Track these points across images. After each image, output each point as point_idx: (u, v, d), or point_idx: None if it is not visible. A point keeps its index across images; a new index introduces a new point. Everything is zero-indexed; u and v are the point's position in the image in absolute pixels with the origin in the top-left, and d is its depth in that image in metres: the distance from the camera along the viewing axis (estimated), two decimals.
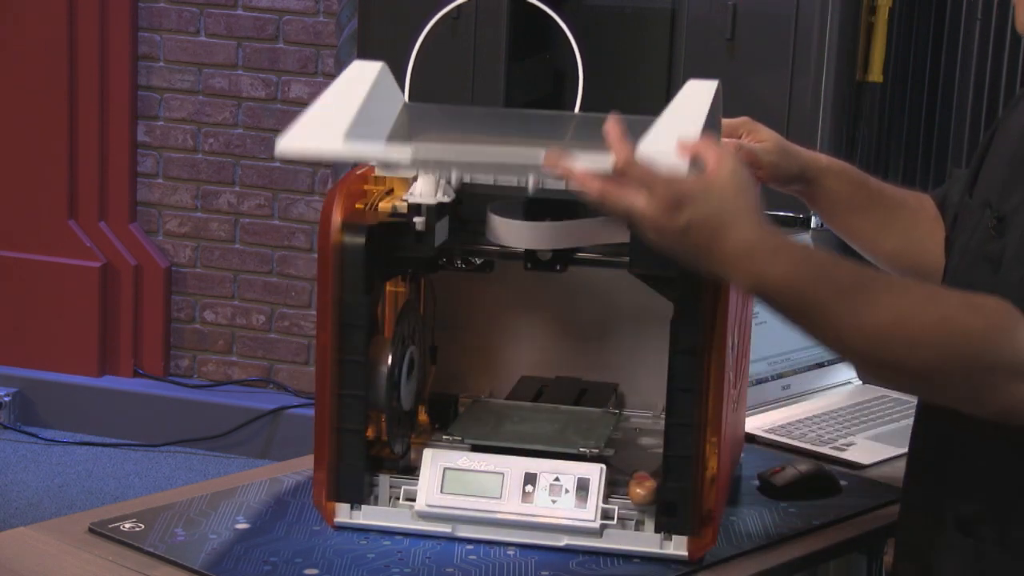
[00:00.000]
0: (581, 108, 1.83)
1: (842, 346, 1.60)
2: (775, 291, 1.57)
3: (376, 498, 1.79)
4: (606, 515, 1.75)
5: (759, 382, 2.31)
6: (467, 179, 1.78)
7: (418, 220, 1.75)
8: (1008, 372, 1.57)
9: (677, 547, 1.72)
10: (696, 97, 1.71)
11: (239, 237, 4.69)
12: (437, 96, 1.94)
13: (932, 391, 1.65)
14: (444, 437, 1.85)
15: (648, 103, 1.82)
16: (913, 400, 2.35)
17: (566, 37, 1.83)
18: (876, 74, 3.56)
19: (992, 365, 1.57)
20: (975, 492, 1.72)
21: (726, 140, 1.86)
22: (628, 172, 1.56)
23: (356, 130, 1.67)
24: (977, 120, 3.74)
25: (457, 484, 1.77)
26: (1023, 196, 1.67)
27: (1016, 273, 1.62)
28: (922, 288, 1.64)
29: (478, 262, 1.90)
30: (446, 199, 1.77)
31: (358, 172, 1.80)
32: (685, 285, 1.67)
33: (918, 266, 2.04)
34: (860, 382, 2.44)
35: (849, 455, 2.12)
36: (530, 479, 1.76)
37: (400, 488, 1.78)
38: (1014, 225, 1.66)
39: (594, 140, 1.58)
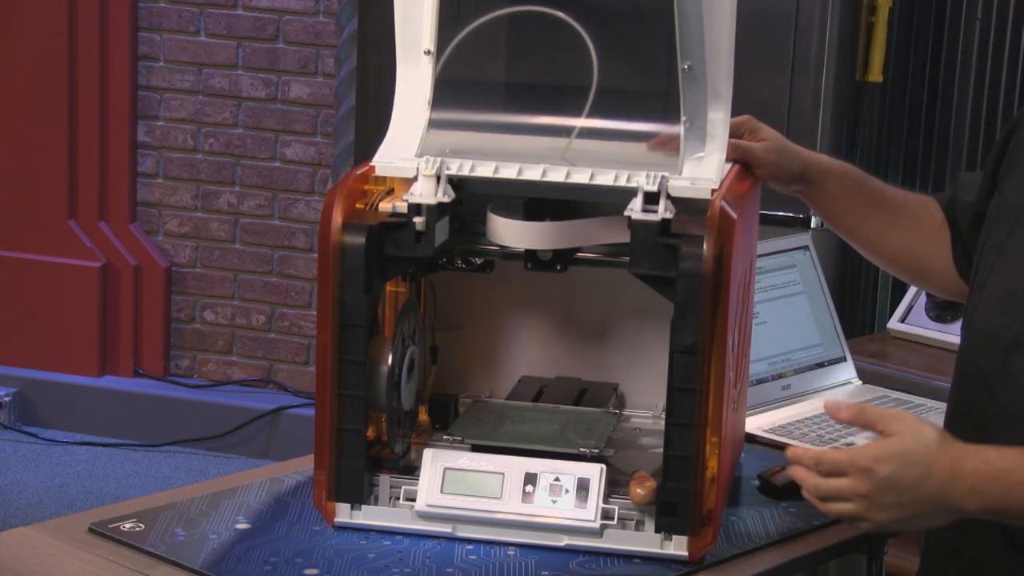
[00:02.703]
0: (592, 109, 1.84)
1: None
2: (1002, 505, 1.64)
3: (376, 498, 1.79)
4: (606, 515, 1.75)
5: (759, 382, 2.31)
6: (467, 171, 1.78)
7: (418, 220, 1.75)
8: None
9: (677, 547, 1.72)
10: None
11: (239, 237, 4.69)
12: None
13: None
14: (444, 437, 1.85)
15: (649, 102, 1.82)
16: (913, 401, 2.36)
17: (570, 33, 1.83)
18: (876, 74, 3.57)
19: None
20: None
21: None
22: (819, 468, 1.68)
23: None
24: (977, 120, 3.75)
25: (457, 484, 1.77)
26: None
27: None
28: None
29: (478, 262, 1.90)
30: (446, 199, 1.77)
31: (358, 172, 1.80)
32: (685, 285, 1.67)
33: (920, 268, 2.05)
34: (860, 382, 2.44)
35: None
36: (530, 479, 1.76)
37: (400, 488, 1.78)
38: None
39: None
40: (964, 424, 1.84)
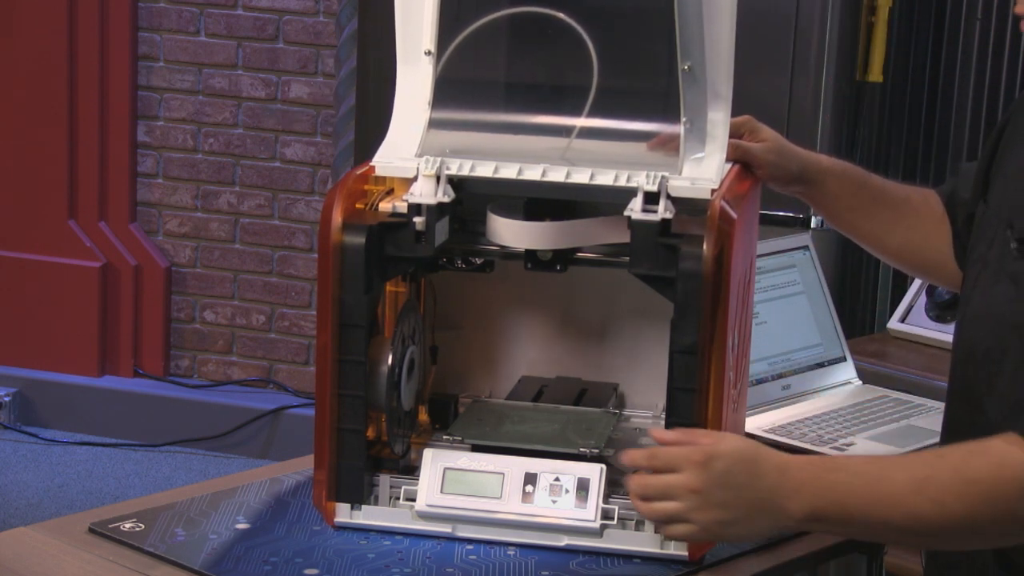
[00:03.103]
0: (592, 109, 1.84)
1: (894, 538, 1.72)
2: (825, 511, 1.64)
3: (376, 498, 1.79)
4: (606, 515, 1.75)
5: (759, 382, 2.31)
6: (467, 171, 1.79)
7: (418, 220, 1.75)
8: None
9: (677, 547, 1.72)
10: None
11: (239, 237, 4.69)
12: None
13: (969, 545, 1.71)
14: (444, 437, 1.85)
15: (649, 102, 1.82)
16: (912, 402, 2.36)
17: (570, 33, 1.83)
18: (876, 74, 3.57)
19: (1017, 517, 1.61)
20: None
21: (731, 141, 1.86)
22: (652, 463, 1.66)
23: None
24: (977, 120, 3.75)
25: (457, 484, 1.77)
26: None
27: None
28: (936, 476, 1.64)
29: (478, 262, 1.90)
30: (446, 199, 1.77)
31: (358, 172, 1.80)
32: (685, 285, 1.67)
33: (924, 262, 2.05)
34: (860, 382, 2.44)
35: (849, 455, 2.12)
36: (530, 479, 1.76)
37: (400, 488, 1.78)
38: None
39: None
40: (957, 438, 1.84)
